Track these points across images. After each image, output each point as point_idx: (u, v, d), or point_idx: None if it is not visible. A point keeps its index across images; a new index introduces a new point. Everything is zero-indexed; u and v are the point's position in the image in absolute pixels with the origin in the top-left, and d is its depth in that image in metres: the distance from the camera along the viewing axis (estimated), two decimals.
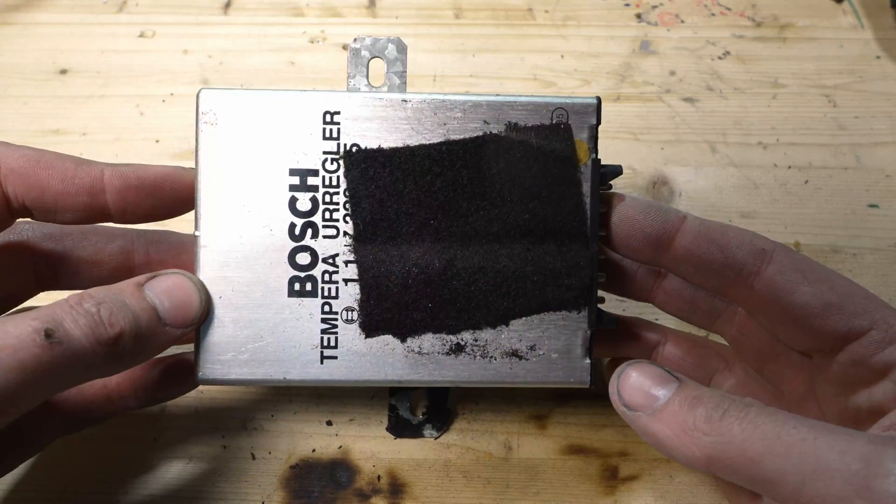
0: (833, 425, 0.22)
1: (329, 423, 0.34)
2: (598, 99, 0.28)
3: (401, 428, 0.33)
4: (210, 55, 0.43)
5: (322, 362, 0.28)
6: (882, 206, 0.38)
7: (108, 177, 0.27)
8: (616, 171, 0.29)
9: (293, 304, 0.27)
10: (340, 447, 0.33)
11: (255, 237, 0.27)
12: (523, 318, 0.28)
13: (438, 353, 0.28)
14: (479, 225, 0.28)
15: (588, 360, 0.28)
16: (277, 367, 0.28)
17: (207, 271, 0.27)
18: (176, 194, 0.28)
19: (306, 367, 0.28)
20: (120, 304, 0.24)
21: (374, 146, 0.27)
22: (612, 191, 0.29)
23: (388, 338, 0.28)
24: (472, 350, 0.28)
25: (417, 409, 0.34)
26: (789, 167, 0.39)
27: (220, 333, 0.27)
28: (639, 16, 0.43)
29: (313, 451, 0.33)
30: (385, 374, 0.28)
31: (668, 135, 0.40)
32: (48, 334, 0.22)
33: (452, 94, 0.28)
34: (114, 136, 0.40)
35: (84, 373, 0.24)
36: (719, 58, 0.41)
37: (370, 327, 0.28)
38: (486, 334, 0.28)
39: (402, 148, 0.27)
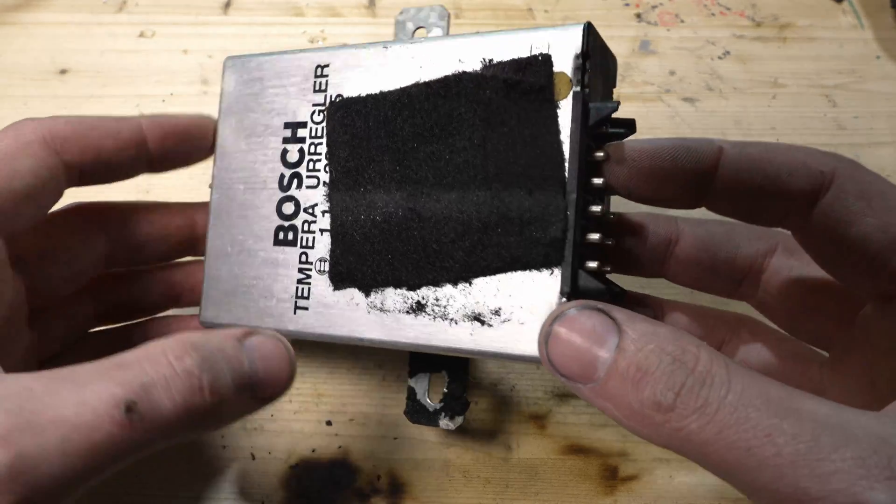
0: (835, 410, 0.17)
1: (329, 423, 0.34)
2: (588, 25, 0.24)
3: (417, 414, 0.30)
4: (210, 55, 0.43)
5: (295, 312, 0.27)
6: None
7: (147, 127, 0.28)
8: (628, 123, 0.24)
9: (277, 253, 0.28)
10: (340, 447, 0.33)
11: (254, 188, 0.29)
12: (488, 277, 0.24)
13: (399, 310, 0.25)
14: (446, 171, 0.25)
15: None
16: (258, 314, 0.28)
17: (213, 222, 0.29)
18: (203, 141, 0.30)
19: (281, 317, 0.28)
20: (221, 367, 0.21)
21: (354, 95, 0.27)
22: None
23: (354, 291, 0.26)
24: (433, 310, 0.25)
25: (434, 395, 0.31)
26: None
27: (219, 279, 0.29)
28: (638, 16, 0.43)
29: (313, 451, 0.33)
30: (349, 330, 0.26)
31: (668, 134, 0.40)
32: (129, 408, 0.19)
33: (434, 39, 0.27)
34: None
35: (155, 446, 0.20)
36: (719, 58, 0.41)
37: (336, 279, 0.27)
38: (447, 292, 0.25)
39: (375, 94, 0.27)
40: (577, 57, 0.23)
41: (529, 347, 0.23)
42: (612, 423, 0.34)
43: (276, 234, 0.28)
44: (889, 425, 0.17)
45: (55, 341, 0.29)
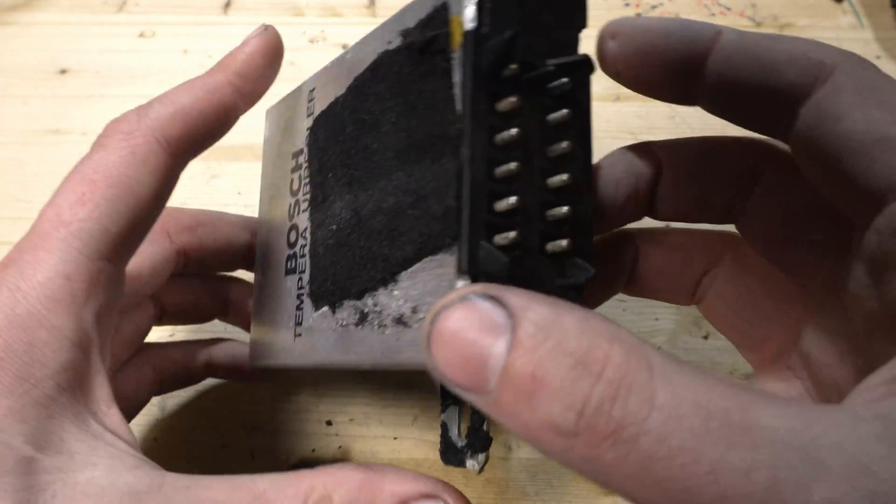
0: (800, 420, 0.13)
1: (329, 423, 0.34)
2: None
3: (449, 454, 0.25)
4: (210, 55, 0.43)
5: (294, 340, 0.26)
6: None
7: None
8: (576, 61, 0.20)
9: (286, 282, 0.27)
10: (340, 447, 0.33)
11: (275, 225, 0.29)
12: (408, 269, 0.20)
13: (352, 324, 0.23)
14: (374, 161, 0.23)
15: None
16: (278, 350, 0.27)
17: (256, 266, 0.30)
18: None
19: (288, 349, 0.26)
20: None
21: (323, 109, 0.27)
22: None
23: (326, 309, 0.24)
24: (373, 319, 0.22)
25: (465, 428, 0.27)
26: None
27: (259, 319, 0.29)
28: (639, 16, 0.43)
29: (313, 451, 0.33)
30: (324, 353, 0.24)
31: (668, 134, 0.40)
32: None
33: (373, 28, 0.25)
34: None
35: None
36: None
37: (313, 298, 0.25)
38: (380, 296, 0.21)
39: (331, 102, 0.26)
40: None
41: None
42: None
43: (286, 264, 0.28)
44: (867, 437, 0.13)
45: (126, 342, 0.30)
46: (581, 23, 0.21)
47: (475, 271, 0.18)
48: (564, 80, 0.20)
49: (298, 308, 0.26)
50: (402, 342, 0.20)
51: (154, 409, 0.33)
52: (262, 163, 0.31)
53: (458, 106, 0.19)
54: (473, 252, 0.18)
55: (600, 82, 0.44)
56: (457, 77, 0.19)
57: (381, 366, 0.21)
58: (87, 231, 0.21)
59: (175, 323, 0.32)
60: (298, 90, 0.29)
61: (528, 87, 0.19)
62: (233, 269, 0.33)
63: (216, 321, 0.33)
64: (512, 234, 0.18)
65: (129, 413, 0.30)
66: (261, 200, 0.31)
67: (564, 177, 0.19)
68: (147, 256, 0.28)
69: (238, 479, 0.20)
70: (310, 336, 0.25)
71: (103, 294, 0.21)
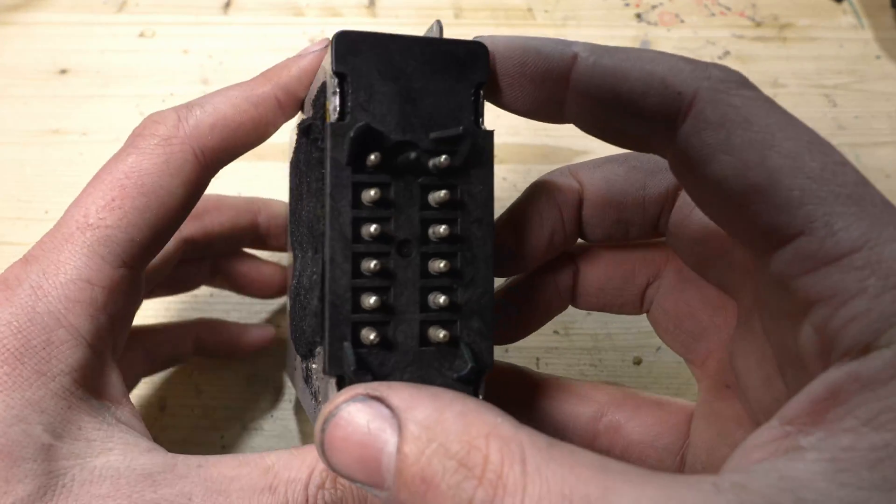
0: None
1: None
2: (337, 35, 0.18)
3: None
4: (210, 55, 0.43)
5: (294, 369, 0.26)
6: None
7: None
8: (451, 137, 0.19)
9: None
10: None
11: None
12: (316, 349, 0.20)
13: (303, 381, 0.23)
14: (303, 231, 0.22)
15: None
16: (297, 381, 0.26)
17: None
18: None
19: (292, 374, 0.27)
20: None
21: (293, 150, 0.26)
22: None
23: (300, 359, 0.24)
24: (311, 383, 0.22)
25: None
26: None
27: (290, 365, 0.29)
28: (639, 16, 0.43)
29: None
30: (297, 388, 0.25)
31: None
32: None
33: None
34: (114, 136, 0.40)
35: None
36: (719, 58, 0.41)
37: (297, 348, 0.24)
38: (311, 365, 0.22)
39: (294, 148, 0.26)
40: (335, 76, 0.19)
41: None
42: None
43: None
44: None
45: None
46: (480, 78, 0.19)
47: (337, 373, 0.18)
48: (441, 157, 0.19)
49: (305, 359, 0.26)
50: (317, 413, 0.20)
51: (154, 409, 0.33)
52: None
53: (327, 201, 0.18)
54: (334, 354, 0.18)
55: None
56: (326, 168, 0.19)
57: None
58: (113, 238, 0.21)
59: (164, 294, 0.33)
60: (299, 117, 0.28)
61: (404, 169, 0.19)
62: (236, 251, 0.33)
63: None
64: (373, 334, 0.18)
65: None
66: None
67: (442, 264, 0.19)
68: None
69: (247, 455, 0.21)
70: (297, 373, 0.25)
71: (122, 300, 0.22)
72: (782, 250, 0.16)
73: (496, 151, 0.38)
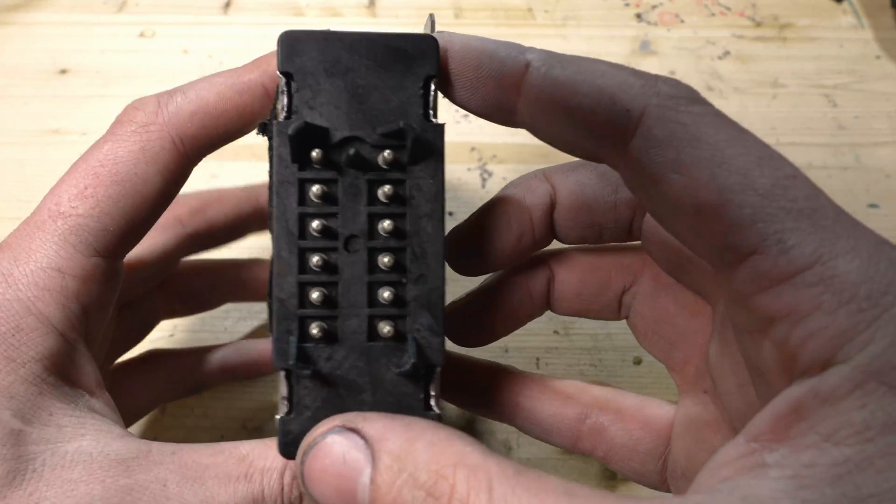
0: None
1: None
2: (283, 35, 0.19)
3: None
4: (210, 55, 0.43)
5: None
6: (882, 206, 0.38)
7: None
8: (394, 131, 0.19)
9: None
10: None
11: None
12: None
13: None
14: None
15: (281, 413, 0.19)
16: None
17: None
18: None
19: None
20: None
21: None
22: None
23: None
24: None
25: None
26: None
27: None
28: (639, 16, 0.43)
29: None
30: None
31: None
32: None
33: None
34: None
35: None
36: (719, 57, 0.41)
37: None
38: None
39: None
40: (280, 77, 0.19)
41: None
42: None
43: None
44: None
45: (130, 334, 0.30)
46: (430, 71, 0.19)
47: (282, 366, 0.19)
48: (385, 152, 0.19)
49: None
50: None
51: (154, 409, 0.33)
52: None
53: (274, 199, 0.19)
54: (280, 348, 0.19)
55: None
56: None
57: None
58: (85, 227, 0.21)
59: (187, 313, 0.32)
60: None
61: (353, 165, 0.19)
62: (241, 238, 0.33)
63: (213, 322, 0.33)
64: (316, 328, 0.19)
65: (134, 415, 0.30)
66: None
67: (387, 259, 0.19)
68: (160, 244, 0.28)
69: (221, 444, 0.21)
70: None
71: (96, 289, 0.21)
72: (739, 268, 0.16)
73: (495, 151, 0.39)
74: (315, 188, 0.19)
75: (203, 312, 0.34)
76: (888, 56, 0.42)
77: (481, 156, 0.38)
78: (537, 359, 0.35)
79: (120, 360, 0.29)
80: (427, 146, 0.19)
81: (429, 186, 0.19)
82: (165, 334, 0.35)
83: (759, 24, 0.43)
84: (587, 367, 0.35)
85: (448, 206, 0.37)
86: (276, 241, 0.19)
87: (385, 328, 0.19)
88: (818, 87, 0.41)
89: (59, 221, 0.21)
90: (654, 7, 0.43)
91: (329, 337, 0.19)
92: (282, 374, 0.19)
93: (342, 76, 0.19)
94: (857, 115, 0.40)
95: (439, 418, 0.19)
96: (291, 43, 0.19)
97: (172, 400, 0.31)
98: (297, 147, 0.18)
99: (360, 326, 0.19)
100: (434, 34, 0.20)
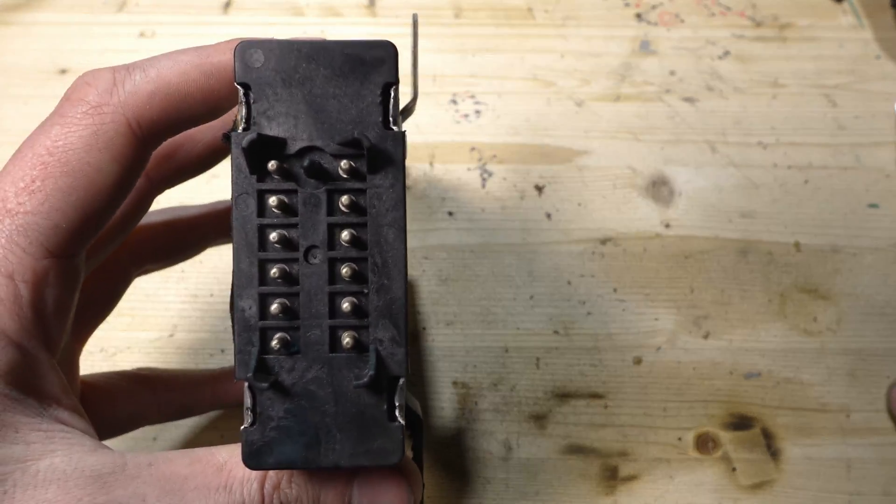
0: None
1: None
2: (239, 45, 0.19)
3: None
4: None
5: None
6: (882, 206, 0.38)
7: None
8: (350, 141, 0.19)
9: None
10: None
11: None
12: None
13: None
14: None
15: (245, 424, 0.20)
16: None
17: None
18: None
19: None
20: None
21: None
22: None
23: None
24: None
25: None
26: (789, 167, 0.39)
27: None
28: (639, 15, 0.43)
29: None
30: None
31: (667, 135, 0.40)
32: None
33: None
34: None
35: None
36: (719, 58, 0.41)
37: None
38: None
39: None
40: (241, 85, 0.19)
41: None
42: (612, 423, 0.34)
43: None
44: None
45: (102, 299, 0.27)
46: (388, 78, 0.19)
47: (243, 377, 0.19)
48: (342, 162, 0.19)
49: None
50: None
51: None
52: None
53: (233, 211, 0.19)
54: (241, 360, 0.19)
55: (600, 82, 0.45)
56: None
57: None
58: (34, 226, 0.19)
59: (162, 266, 0.30)
60: None
61: (313, 175, 0.19)
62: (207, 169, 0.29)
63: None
64: (276, 339, 0.19)
65: (114, 430, 0.28)
66: None
67: (346, 269, 0.19)
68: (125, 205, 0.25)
69: (197, 451, 0.20)
70: None
71: (52, 292, 0.20)
72: None
73: (495, 151, 0.39)
74: (273, 199, 0.19)
75: (183, 262, 0.31)
76: (888, 56, 0.42)
77: (481, 156, 0.38)
78: (537, 359, 0.35)
79: (110, 371, 0.28)
80: (385, 155, 0.19)
81: (389, 195, 0.19)
82: (165, 334, 0.35)
83: (759, 24, 0.43)
84: (587, 367, 0.35)
85: (448, 207, 0.37)
86: (235, 252, 0.19)
87: (346, 339, 0.19)
88: (818, 87, 0.41)
89: (7, 221, 0.19)
90: (654, 7, 0.43)
91: (290, 348, 0.19)
92: (245, 385, 0.19)
93: (300, 86, 0.19)
94: (857, 115, 0.40)
95: (400, 429, 0.19)
96: (247, 52, 0.19)
97: (158, 423, 0.29)
98: (253, 159, 0.18)
99: (322, 338, 0.19)
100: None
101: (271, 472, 0.20)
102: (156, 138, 0.21)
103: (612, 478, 0.33)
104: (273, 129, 0.19)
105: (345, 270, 0.19)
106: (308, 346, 0.19)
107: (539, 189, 0.38)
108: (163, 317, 0.35)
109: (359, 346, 0.19)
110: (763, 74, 0.41)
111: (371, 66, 0.19)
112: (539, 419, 0.34)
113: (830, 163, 0.39)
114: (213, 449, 0.20)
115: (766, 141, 0.40)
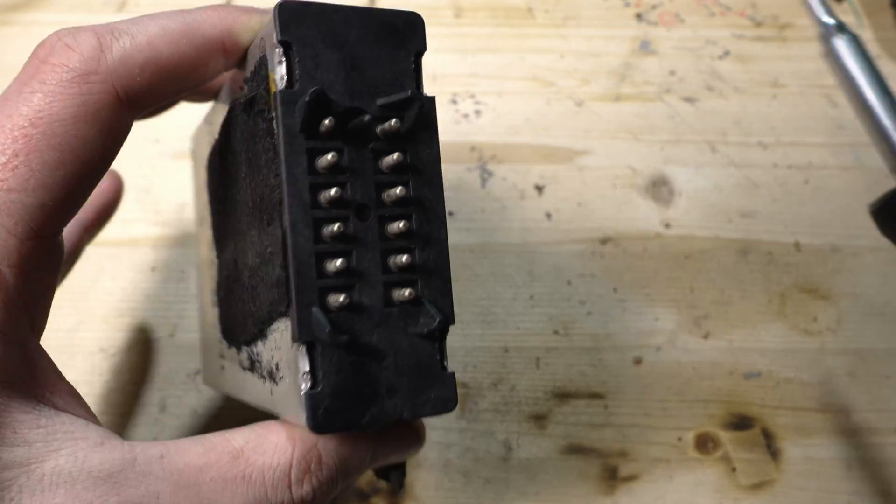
0: None
1: None
2: (279, 4, 0.19)
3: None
4: None
5: (221, 370, 0.26)
6: None
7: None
8: (401, 102, 0.19)
9: (213, 313, 0.27)
10: None
11: (202, 249, 0.29)
12: (270, 327, 0.20)
13: (244, 368, 0.23)
14: (237, 214, 0.22)
15: (305, 388, 0.18)
16: (215, 376, 0.27)
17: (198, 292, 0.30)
18: None
19: (219, 375, 0.27)
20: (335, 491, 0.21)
21: (212, 143, 0.26)
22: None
23: (234, 349, 0.24)
24: (258, 367, 0.22)
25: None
26: (789, 167, 0.39)
27: (202, 342, 0.29)
28: (639, 15, 0.43)
29: None
30: (234, 389, 0.25)
31: (667, 134, 0.40)
32: None
33: None
34: None
35: None
36: (719, 57, 0.41)
37: (224, 335, 0.25)
38: (260, 347, 0.21)
39: (215, 140, 0.25)
40: (281, 49, 0.19)
41: (292, 409, 0.19)
42: (611, 423, 0.34)
43: (212, 296, 0.27)
44: None
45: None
46: (419, 47, 0.20)
47: (307, 339, 0.18)
48: (392, 121, 0.19)
49: (221, 341, 0.26)
50: (274, 396, 0.20)
51: (154, 409, 0.33)
52: (194, 186, 0.29)
53: (283, 169, 0.18)
54: (303, 321, 0.18)
55: (600, 82, 0.45)
56: (277, 137, 0.19)
57: (268, 411, 0.21)
58: (18, 203, 0.17)
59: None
60: (212, 110, 0.26)
61: (355, 135, 0.19)
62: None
63: None
64: (342, 296, 0.18)
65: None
66: (196, 222, 0.29)
67: (401, 224, 0.19)
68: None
69: (211, 438, 0.19)
70: (229, 370, 0.25)
71: (36, 275, 0.18)
72: None
73: (495, 151, 0.39)
74: (329, 156, 0.18)
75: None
76: (888, 56, 0.42)
77: (481, 156, 0.38)
78: (537, 359, 0.35)
79: None
80: (425, 117, 0.20)
81: (427, 155, 0.20)
82: (165, 334, 0.35)
83: (759, 24, 0.43)
84: (587, 367, 0.35)
85: (448, 206, 0.37)
86: (288, 212, 0.18)
87: (405, 292, 0.19)
88: (818, 87, 0.41)
89: None
90: (654, 7, 0.43)
91: (348, 306, 0.19)
92: (299, 348, 0.18)
93: (339, 48, 0.19)
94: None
95: (453, 376, 0.20)
96: (289, 12, 0.18)
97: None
98: (310, 116, 0.18)
99: (377, 293, 0.19)
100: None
101: (297, 457, 0.19)
102: (141, 108, 0.19)
103: (611, 478, 0.33)
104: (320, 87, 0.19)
105: (400, 226, 0.19)
106: (364, 303, 0.19)
107: (539, 189, 0.38)
108: (163, 317, 0.35)
109: (411, 300, 0.19)
110: (763, 74, 0.41)
111: (403, 33, 0.20)
112: (539, 419, 0.34)
113: (830, 163, 0.39)
114: (227, 434, 0.19)
115: (766, 141, 0.40)
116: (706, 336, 0.35)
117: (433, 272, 0.20)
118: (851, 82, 0.24)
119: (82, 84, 0.18)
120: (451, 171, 0.38)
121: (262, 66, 0.20)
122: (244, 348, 0.23)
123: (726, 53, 0.42)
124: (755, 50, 0.42)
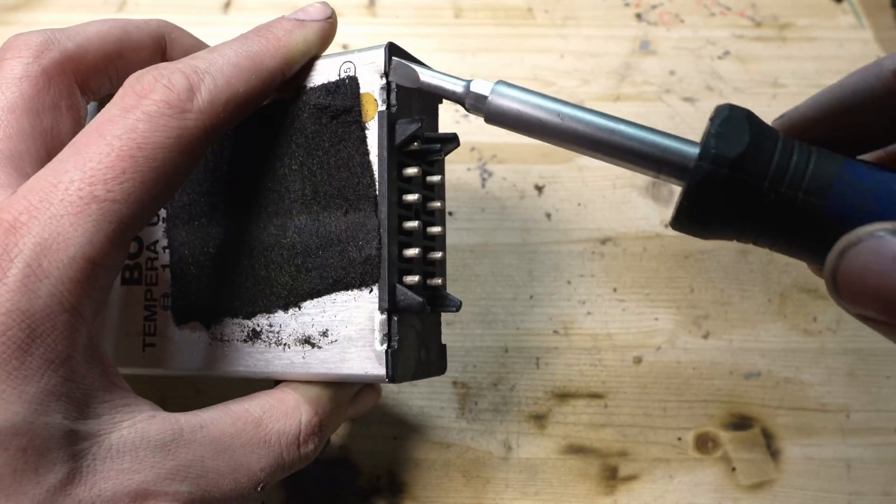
0: None
1: None
2: (389, 45, 0.24)
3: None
4: None
5: (144, 350, 0.27)
6: None
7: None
8: (448, 138, 0.25)
9: (125, 294, 0.28)
10: (340, 447, 0.33)
11: None
12: (315, 300, 0.24)
13: (238, 339, 0.26)
14: (270, 199, 0.25)
15: (384, 348, 0.23)
16: (118, 355, 0.28)
17: None
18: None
19: (132, 355, 0.28)
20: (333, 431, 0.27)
21: None
22: None
23: (196, 324, 0.26)
24: (268, 337, 0.25)
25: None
26: None
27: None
28: (638, 15, 0.43)
29: None
30: (191, 363, 0.27)
31: None
32: (262, 488, 0.24)
33: None
34: None
35: None
36: (719, 58, 0.41)
37: (178, 313, 0.27)
38: (280, 318, 0.25)
39: None
40: (381, 76, 0.24)
41: (357, 366, 0.24)
42: (612, 423, 0.34)
43: (123, 275, 0.28)
44: None
45: None
46: (439, 99, 0.27)
47: (392, 308, 0.23)
48: (439, 153, 0.25)
49: (148, 319, 0.27)
50: (309, 359, 0.25)
51: None
52: None
53: (376, 172, 0.24)
54: (392, 293, 0.24)
55: (600, 82, 0.44)
56: (371, 146, 0.24)
57: (274, 376, 0.25)
58: (119, 214, 0.20)
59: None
60: None
61: (418, 156, 0.25)
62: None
63: None
64: (416, 277, 0.24)
65: None
66: None
67: (439, 229, 0.26)
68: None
69: (234, 409, 0.24)
70: (168, 346, 0.27)
71: (114, 275, 0.21)
72: None
73: (495, 151, 0.39)
74: (415, 169, 0.25)
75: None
76: None
77: (481, 156, 0.38)
78: (537, 359, 0.35)
79: None
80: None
81: (443, 181, 0.27)
82: None
83: (759, 24, 0.43)
84: (587, 367, 0.35)
85: (448, 206, 0.37)
86: (386, 208, 0.24)
87: (438, 280, 0.26)
88: (818, 87, 0.41)
89: (94, 206, 0.20)
90: (654, 7, 0.43)
91: (416, 287, 0.24)
92: (384, 313, 0.23)
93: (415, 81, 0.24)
94: None
95: (445, 348, 0.27)
96: (397, 50, 0.25)
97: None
98: (410, 138, 0.24)
99: (422, 278, 0.25)
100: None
101: (304, 422, 0.24)
102: (219, 137, 0.23)
103: (611, 478, 0.33)
104: (403, 114, 0.25)
105: (434, 230, 0.26)
106: (432, 284, 0.26)
107: (539, 189, 0.38)
108: None
109: (434, 287, 0.26)
110: (763, 74, 0.41)
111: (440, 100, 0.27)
112: (539, 419, 0.34)
113: None
114: (246, 404, 0.24)
115: None
116: (706, 336, 0.35)
117: (443, 266, 0.27)
118: (548, 123, 0.21)
119: (180, 119, 0.21)
120: (450, 171, 0.38)
121: (353, 85, 0.25)
122: (234, 321, 0.26)
123: (726, 53, 0.42)
124: (755, 50, 0.42)
